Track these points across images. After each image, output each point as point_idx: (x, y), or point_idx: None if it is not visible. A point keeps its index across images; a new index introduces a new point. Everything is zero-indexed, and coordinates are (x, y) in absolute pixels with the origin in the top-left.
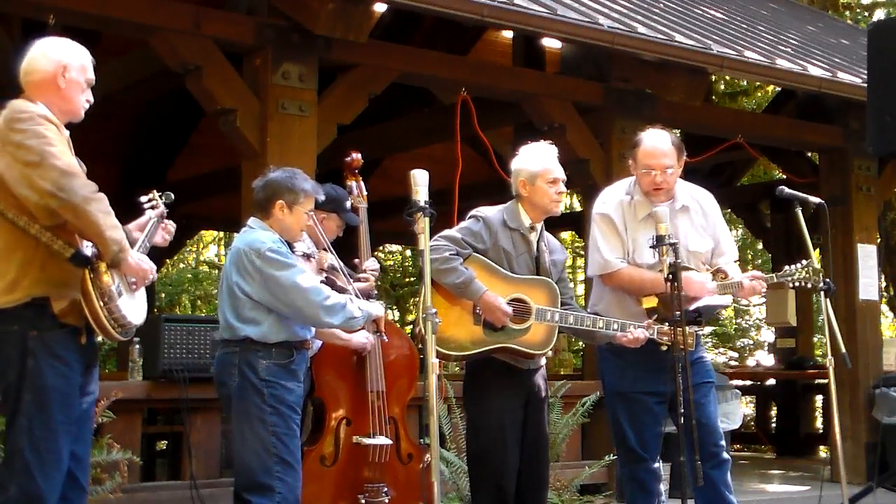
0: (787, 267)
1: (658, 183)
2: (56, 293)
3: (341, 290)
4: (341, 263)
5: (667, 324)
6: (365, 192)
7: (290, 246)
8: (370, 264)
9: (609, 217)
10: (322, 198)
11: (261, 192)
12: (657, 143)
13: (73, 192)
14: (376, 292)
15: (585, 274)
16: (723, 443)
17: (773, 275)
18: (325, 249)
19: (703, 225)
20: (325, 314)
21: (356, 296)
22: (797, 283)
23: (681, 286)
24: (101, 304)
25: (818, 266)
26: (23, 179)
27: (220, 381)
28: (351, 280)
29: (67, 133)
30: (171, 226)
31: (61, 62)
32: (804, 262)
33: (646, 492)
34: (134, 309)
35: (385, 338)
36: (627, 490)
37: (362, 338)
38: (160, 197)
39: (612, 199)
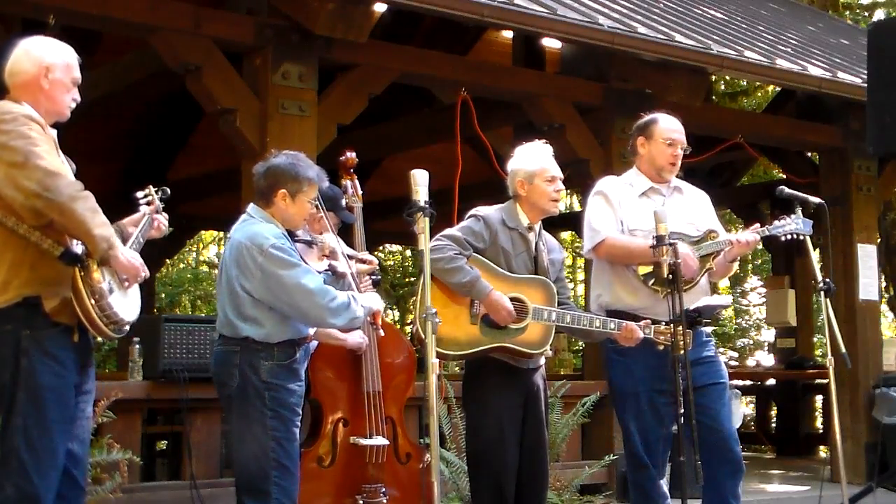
0: (777, 221)
1: (677, 157)
2: (47, 292)
3: (342, 275)
4: (342, 246)
5: (663, 324)
6: (360, 192)
7: (291, 234)
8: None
9: (604, 193)
10: (326, 184)
11: (262, 180)
12: (676, 121)
13: (58, 191)
14: (379, 272)
15: (585, 274)
16: (738, 449)
17: (766, 227)
18: (330, 233)
19: (697, 207)
20: (329, 316)
21: (354, 279)
22: (789, 236)
23: (681, 287)
24: (93, 301)
25: (808, 219)
26: (8, 181)
27: (219, 380)
28: (352, 263)
29: (54, 133)
30: (164, 223)
31: (44, 63)
32: (794, 214)
33: (648, 499)
34: (126, 306)
35: (381, 332)
36: (631, 494)
37: (357, 337)
38: (156, 192)
39: (607, 180)
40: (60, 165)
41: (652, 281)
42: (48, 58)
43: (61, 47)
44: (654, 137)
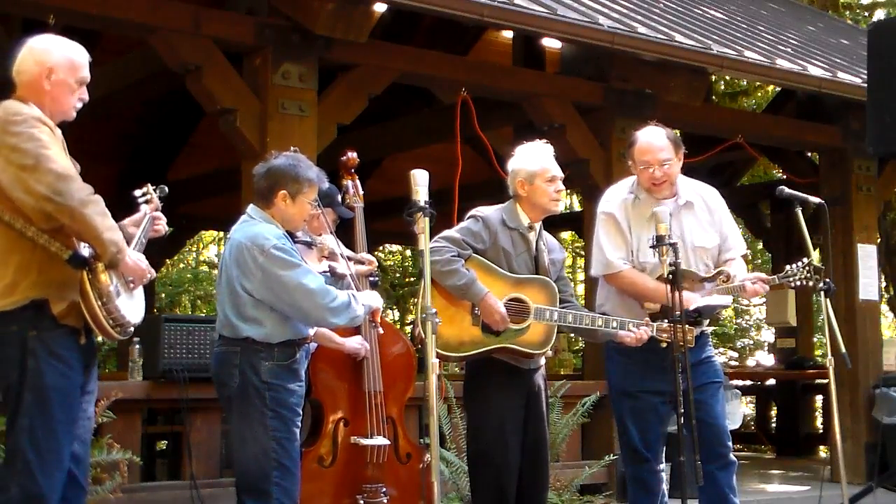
0: (787, 267)
1: (657, 178)
2: (55, 295)
3: (342, 276)
4: (342, 248)
5: (666, 321)
6: (361, 192)
7: (291, 235)
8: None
9: (613, 216)
10: (326, 185)
11: (262, 181)
12: (652, 138)
13: (70, 195)
14: (378, 273)
15: (585, 274)
16: (730, 444)
17: (775, 276)
18: (329, 234)
19: (708, 221)
20: (331, 315)
21: (354, 280)
22: (799, 283)
23: (681, 286)
24: (100, 304)
25: (819, 265)
26: (18, 184)
27: (219, 380)
28: (350, 264)
29: (60, 133)
30: (164, 224)
31: (46, 64)
32: (804, 260)
33: (648, 492)
34: (132, 308)
35: (381, 329)
36: (630, 490)
37: (356, 343)
38: (154, 190)
39: (615, 197)
40: (71, 168)
41: (657, 322)
42: (51, 59)
43: (68, 47)
44: (634, 161)
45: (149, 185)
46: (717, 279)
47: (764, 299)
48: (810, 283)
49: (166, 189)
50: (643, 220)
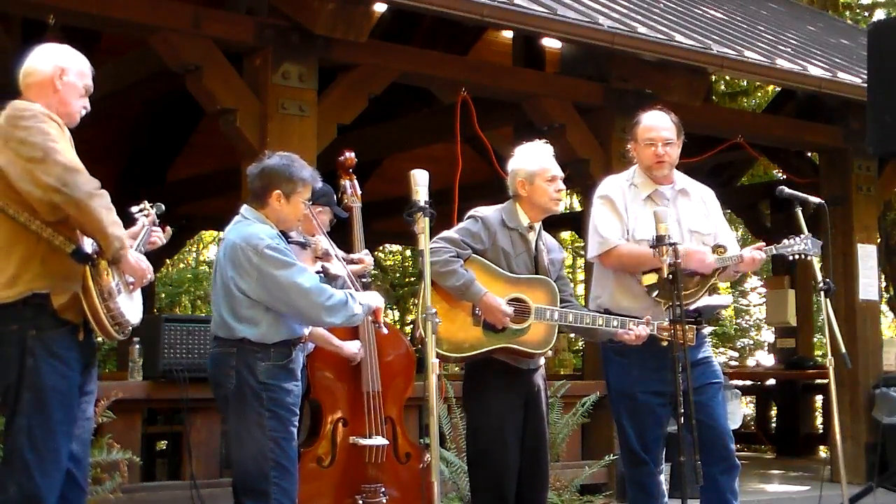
0: (785, 240)
1: (660, 155)
2: (57, 286)
3: (335, 277)
4: (336, 249)
5: (666, 321)
6: (359, 192)
7: (285, 235)
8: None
9: (609, 197)
10: (319, 184)
11: (256, 181)
12: (657, 118)
13: (77, 187)
14: (371, 270)
15: (585, 274)
16: (733, 447)
17: (773, 246)
18: (322, 235)
19: (703, 212)
20: (326, 314)
21: (351, 280)
22: (797, 256)
23: (681, 287)
24: (101, 301)
25: (817, 238)
26: (26, 175)
27: (216, 381)
28: (345, 264)
29: (68, 131)
30: (161, 236)
31: (59, 65)
32: (802, 235)
33: (647, 496)
34: (131, 309)
35: (385, 329)
36: (629, 493)
37: (354, 347)
38: (151, 207)
39: (612, 183)
40: (79, 162)
41: (656, 293)
42: (62, 62)
43: (76, 54)
44: (638, 140)
45: (146, 201)
46: (715, 252)
47: (764, 299)
48: (807, 256)
49: (163, 206)
50: (639, 200)
